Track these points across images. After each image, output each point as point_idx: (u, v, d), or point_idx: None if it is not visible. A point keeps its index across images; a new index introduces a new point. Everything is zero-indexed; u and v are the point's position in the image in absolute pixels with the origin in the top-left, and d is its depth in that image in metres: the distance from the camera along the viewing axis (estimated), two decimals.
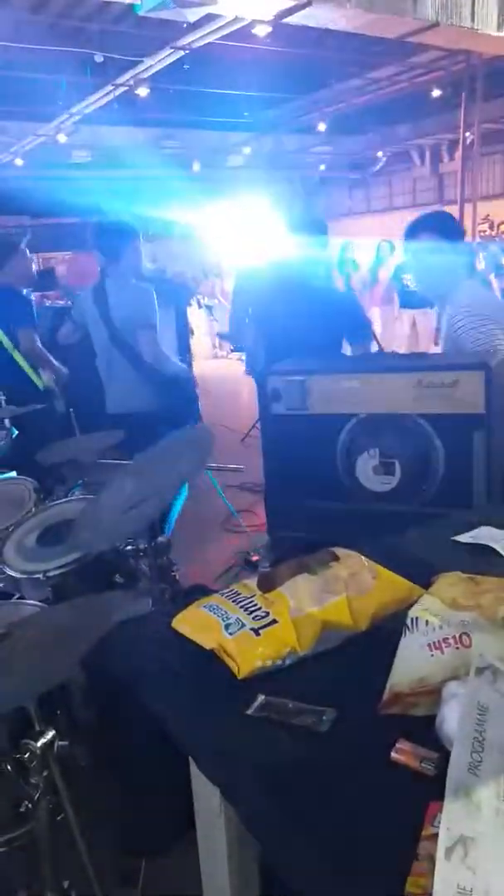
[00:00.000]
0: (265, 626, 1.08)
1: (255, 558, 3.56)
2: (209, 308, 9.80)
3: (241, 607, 1.13)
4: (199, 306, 9.82)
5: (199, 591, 2.41)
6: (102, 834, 1.70)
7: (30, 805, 1.53)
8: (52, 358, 3.72)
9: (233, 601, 1.15)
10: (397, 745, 0.91)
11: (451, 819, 0.76)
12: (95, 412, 3.49)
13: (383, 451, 2.32)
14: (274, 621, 1.09)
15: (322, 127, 10.92)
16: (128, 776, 1.69)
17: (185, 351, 5.73)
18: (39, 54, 7.60)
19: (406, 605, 1.11)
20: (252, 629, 1.08)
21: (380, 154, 13.62)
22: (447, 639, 0.99)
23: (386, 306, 8.69)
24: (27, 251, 3.89)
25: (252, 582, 1.20)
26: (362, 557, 1.23)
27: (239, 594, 1.17)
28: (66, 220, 12.13)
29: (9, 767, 1.57)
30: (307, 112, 10.62)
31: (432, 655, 0.99)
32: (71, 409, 2.51)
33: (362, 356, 3.11)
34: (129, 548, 2.30)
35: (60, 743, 1.47)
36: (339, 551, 1.25)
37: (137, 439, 3.15)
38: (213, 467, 3.22)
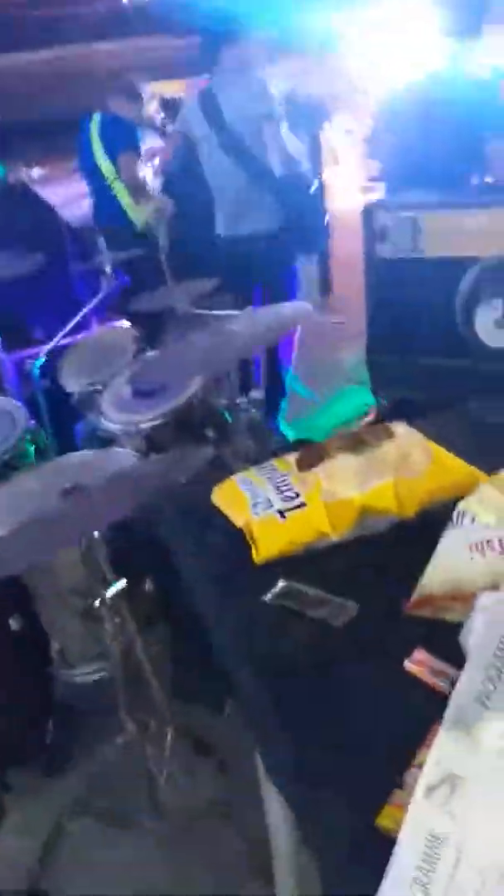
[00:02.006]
0: (292, 508, 0.98)
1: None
2: (349, 132, 8.87)
3: (274, 485, 1.03)
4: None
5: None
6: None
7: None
8: (152, 190, 3.55)
9: (267, 477, 1.06)
10: (414, 655, 0.81)
11: (442, 752, 0.66)
12: (204, 246, 3.29)
13: None
14: (302, 504, 0.98)
15: None
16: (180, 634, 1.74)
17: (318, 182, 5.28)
18: None
19: (465, 494, 0.97)
20: (278, 511, 0.99)
21: None
22: (491, 540, 0.84)
23: None
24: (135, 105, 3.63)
25: (293, 457, 1.09)
26: (420, 436, 1.07)
27: (276, 470, 1.07)
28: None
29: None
30: None
31: (472, 558, 0.85)
32: (163, 256, 2.38)
33: (490, 186, 2.65)
34: (222, 401, 2.26)
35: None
36: (396, 427, 1.10)
37: (257, 264, 2.98)
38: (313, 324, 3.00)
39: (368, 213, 2.17)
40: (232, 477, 1.12)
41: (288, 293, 3.13)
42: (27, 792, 1.96)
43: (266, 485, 1.04)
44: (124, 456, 2.07)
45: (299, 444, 2.41)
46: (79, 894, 1.72)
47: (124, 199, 3.55)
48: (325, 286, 5.12)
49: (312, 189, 3.14)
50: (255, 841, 1.76)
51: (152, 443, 2.17)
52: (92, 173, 3.63)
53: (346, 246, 5.15)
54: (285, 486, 1.02)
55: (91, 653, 1.86)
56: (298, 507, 0.98)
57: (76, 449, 2.35)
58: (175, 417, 2.16)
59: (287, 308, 1.92)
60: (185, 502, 1.20)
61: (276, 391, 3.27)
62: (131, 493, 1.41)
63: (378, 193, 2.99)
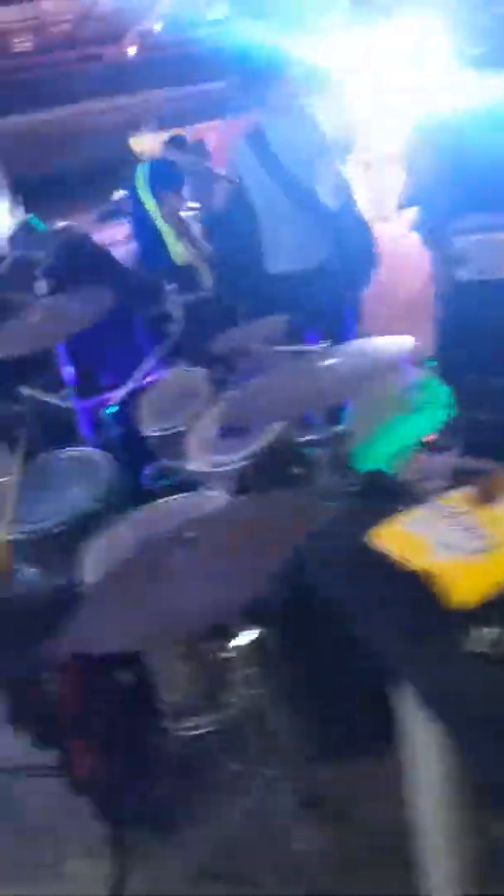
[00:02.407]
0: (488, 548, 0.94)
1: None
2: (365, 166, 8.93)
3: (456, 524, 0.99)
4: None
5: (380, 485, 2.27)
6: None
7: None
8: (192, 230, 3.62)
9: (443, 516, 1.02)
10: None
11: None
12: (251, 286, 3.30)
13: None
14: (499, 543, 0.94)
15: None
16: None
17: None
18: None
19: None
20: (472, 551, 0.95)
21: None
22: None
23: None
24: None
25: (463, 494, 1.05)
26: None
27: (452, 509, 1.04)
28: (207, 86, 11.56)
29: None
30: None
31: None
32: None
33: None
34: (306, 438, 2.23)
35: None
36: None
37: (310, 301, 2.96)
38: None
39: (442, 236, 2.16)
40: (396, 518, 1.08)
41: (343, 329, 3.12)
42: (147, 854, 1.90)
43: (446, 524, 1.00)
44: (219, 499, 2.04)
45: (379, 476, 2.38)
46: None
47: (169, 237, 3.65)
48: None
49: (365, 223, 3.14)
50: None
51: (242, 484, 2.14)
52: (138, 214, 3.75)
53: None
54: (471, 524, 0.98)
55: (203, 707, 1.80)
56: (495, 545, 0.94)
57: (144, 494, 2.32)
58: (263, 456, 2.13)
59: (384, 342, 1.88)
60: (336, 551, 1.16)
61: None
62: (257, 537, 1.37)
63: (404, 221, 2.95)
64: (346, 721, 1.64)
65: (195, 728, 1.82)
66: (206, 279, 3.78)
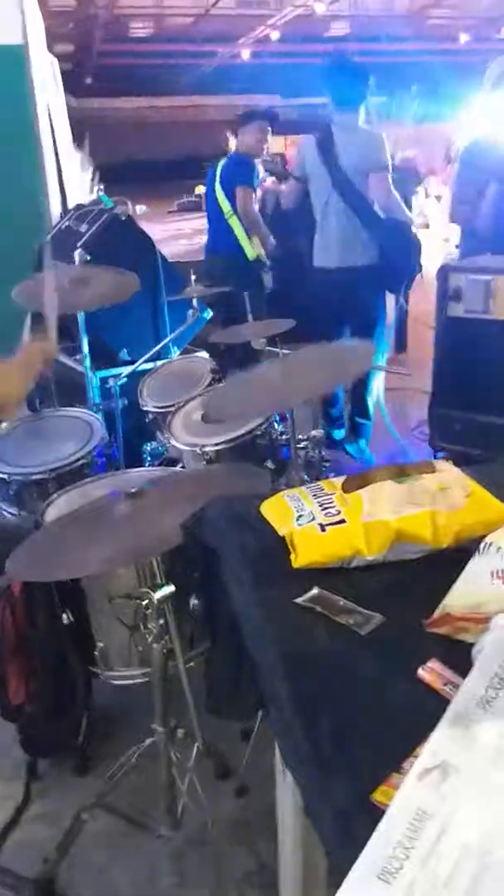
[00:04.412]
0: (333, 523, 1.07)
1: None
2: (438, 199, 9.07)
3: (318, 502, 1.12)
4: (427, 195, 9.09)
5: None
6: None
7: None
8: (262, 222, 3.79)
9: (313, 495, 1.15)
10: (427, 664, 0.88)
11: (439, 744, 0.72)
12: (301, 279, 3.47)
13: None
14: (343, 521, 1.07)
15: None
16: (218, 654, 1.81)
17: None
18: None
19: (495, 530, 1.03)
20: (319, 524, 1.07)
21: None
22: None
23: None
24: (267, 127, 3.93)
25: (340, 480, 1.18)
26: (461, 473, 1.14)
27: (322, 490, 1.16)
28: (314, 100, 11.79)
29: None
30: None
31: (493, 584, 0.91)
32: (246, 293, 2.54)
33: None
34: (283, 437, 2.36)
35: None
36: (439, 464, 1.17)
37: (347, 296, 3.14)
38: (381, 369, 3.11)
39: (444, 273, 2.27)
40: (280, 492, 1.21)
41: (375, 326, 3.28)
42: (54, 784, 2.05)
43: (311, 501, 1.13)
44: (182, 473, 2.19)
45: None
46: (85, 888, 1.78)
47: (238, 231, 3.84)
48: (400, 344, 5.22)
49: (409, 226, 3.30)
50: (264, 864, 1.79)
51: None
52: (212, 208, 3.95)
53: (423, 305, 5.28)
54: (329, 503, 1.11)
55: (131, 659, 1.95)
56: (339, 522, 1.07)
57: (142, 466, 2.50)
58: (238, 445, 2.28)
59: (351, 345, 2.01)
60: (235, 511, 1.29)
61: (359, 416, 3.41)
62: (189, 498, 1.51)
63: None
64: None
65: (120, 678, 1.98)
66: (268, 279, 3.98)
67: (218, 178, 3.95)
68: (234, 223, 3.86)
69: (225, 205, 3.88)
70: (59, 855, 1.80)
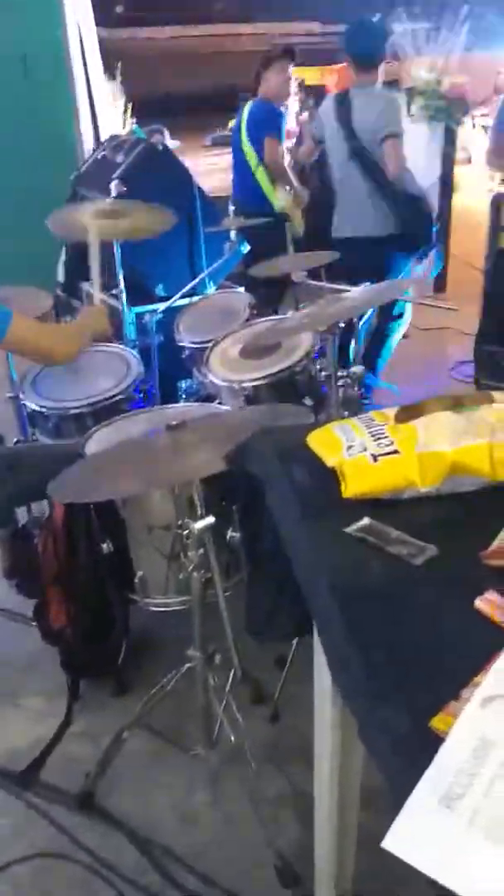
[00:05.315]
0: (385, 454, 1.04)
1: None
2: (485, 129, 8.61)
3: (370, 433, 1.09)
4: (473, 126, 8.61)
5: None
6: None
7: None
8: (292, 175, 3.67)
9: (364, 426, 1.12)
10: (485, 594, 0.86)
11: (503, 672, 0.71)
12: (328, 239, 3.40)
13: None
14: (395, 451, 1.04)
15: None
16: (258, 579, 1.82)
17: (447, 180, 5.21)
18: None
19: None
20: (372, 455, 1.05)
21: None
22: None
23: None
24: (288, 65, 3.75)
25: (391, 411, 1.15)
26: None
27: (373, 421, 1.13)
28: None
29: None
30: None
31: None
32: (287, 226, 2.46)
33: None
34: (323, 373, 2.31)
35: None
36: (497, 395, 1.13)
37: (364, 264, 3.07)
38: (426, 303, 3.02)
39: (496, 202, 2.17)
40: (329, 424, 1.18)
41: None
42: (94, 704, 2.12)
43: (363, 431, 1.10)
44: (224, 411, 2.17)
45: None
46: (124, 803, 1.85)
47: (264, 183, 3.72)
48: (440, 284, 5.07)
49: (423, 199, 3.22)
50: (296, 787, 1.84)
51: (252, 403, 2.26)
52: (238, 156, 3.81)
53: (466, 244, 5.09)
54: (381, 434, 1.08)
55: (169, 587, 1.97)
56: (392, 453, 1.04)
57: (178, 402, 2.49)
58: (277, 381, 2.25)
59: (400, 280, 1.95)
60: (280, 443, 1.27)
61: (377, 349, 3.36)
62: (230, 433, 1.50)
63: None
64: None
65: (157, 605, 2.02)
66: (297, 227, 3.84)
67: (245, 127, 3.79)
68: (261, 176, 3.74)
69: (252, 156, 3.73)
70: (100, 770, 1.87)
